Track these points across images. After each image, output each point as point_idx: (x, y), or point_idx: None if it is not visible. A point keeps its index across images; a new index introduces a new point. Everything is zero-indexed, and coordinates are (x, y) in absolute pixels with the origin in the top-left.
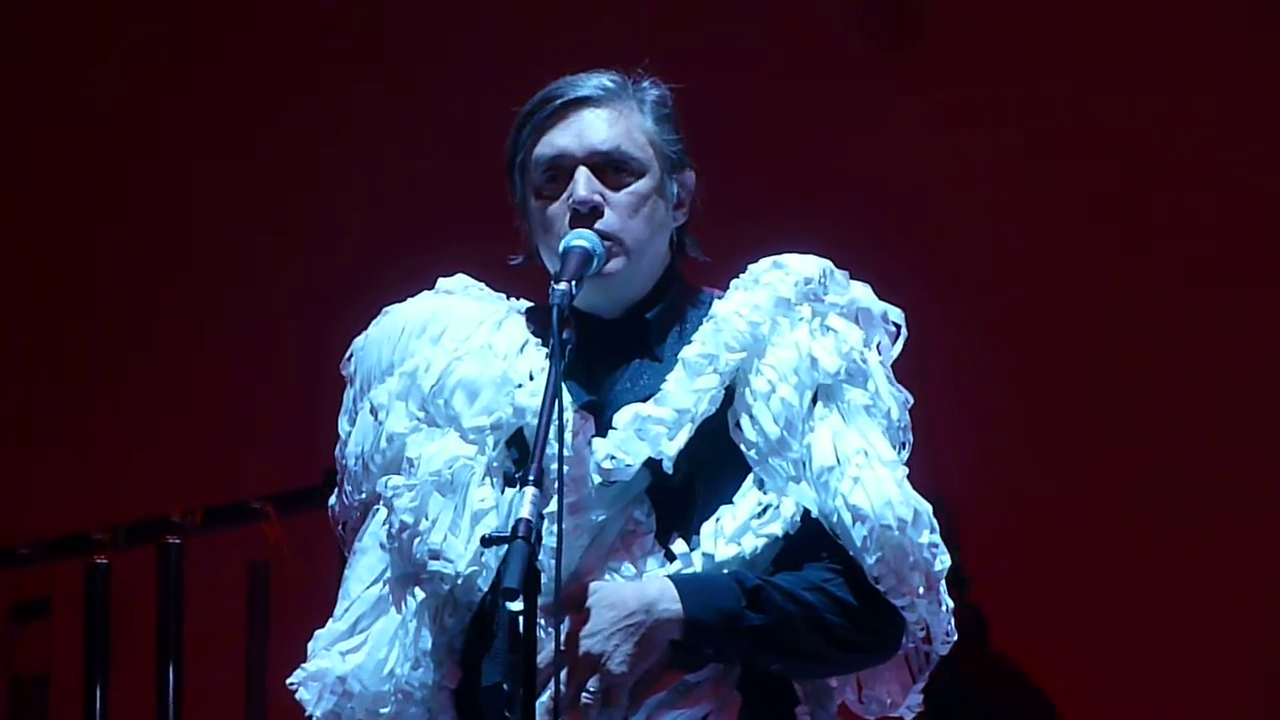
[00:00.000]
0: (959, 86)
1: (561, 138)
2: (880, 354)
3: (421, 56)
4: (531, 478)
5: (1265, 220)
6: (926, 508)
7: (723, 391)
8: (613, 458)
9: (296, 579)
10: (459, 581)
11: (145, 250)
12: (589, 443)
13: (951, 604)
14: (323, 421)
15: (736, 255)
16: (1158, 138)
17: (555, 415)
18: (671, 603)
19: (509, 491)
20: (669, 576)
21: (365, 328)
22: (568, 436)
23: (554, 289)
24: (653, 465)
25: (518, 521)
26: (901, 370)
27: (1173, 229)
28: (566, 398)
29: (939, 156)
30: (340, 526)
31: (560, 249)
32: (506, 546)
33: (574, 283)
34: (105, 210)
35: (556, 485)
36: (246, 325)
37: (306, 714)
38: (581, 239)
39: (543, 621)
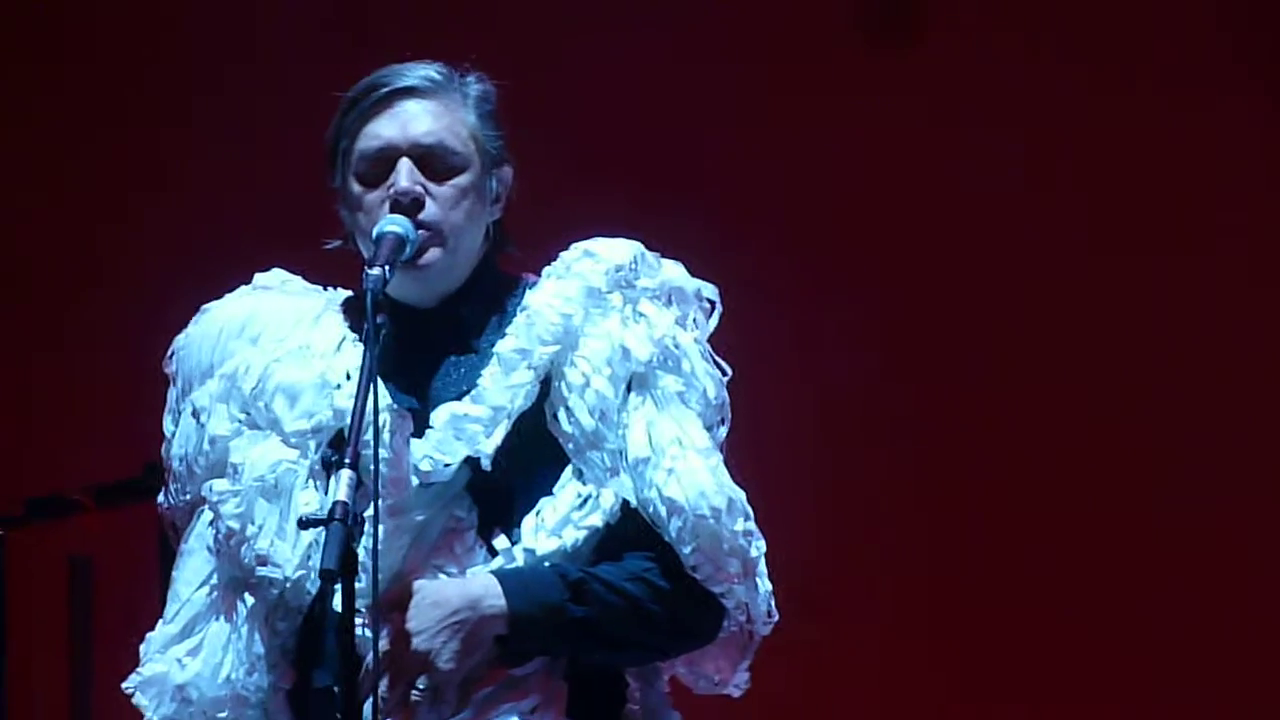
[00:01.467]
0: (962, 85)
1: (386, 128)
2: (696, 331)
3: (229, 55)
4: (347, 460)
5: (1267, 220)
6: (740, 495)
7: (538, 386)
8: (430, 459)
9: (119, 572)
10: (288, 585)
11: None
12: (407, 443)
13: (770, 587)
14: (145, 412)
15: (733, 253)
16: (1160, 138)
17: (370, 401)
18: (496, 599)
19: (331, 490)
20: (492, 572)
21: (188, 318)
22: (385, 435)
23: (367, 274)
24: (472, 462)
25: (334, 504)
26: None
27: (1174, 229)
28: (384, 397)
29: (940, 156)
30: (170, 526)
31: (374, 234)
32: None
33: (387, 267)
34: None
35: (373, 486)
36: (65, 315)
37: (145, 719)
38: (394, 224)
39: (366, 622)
